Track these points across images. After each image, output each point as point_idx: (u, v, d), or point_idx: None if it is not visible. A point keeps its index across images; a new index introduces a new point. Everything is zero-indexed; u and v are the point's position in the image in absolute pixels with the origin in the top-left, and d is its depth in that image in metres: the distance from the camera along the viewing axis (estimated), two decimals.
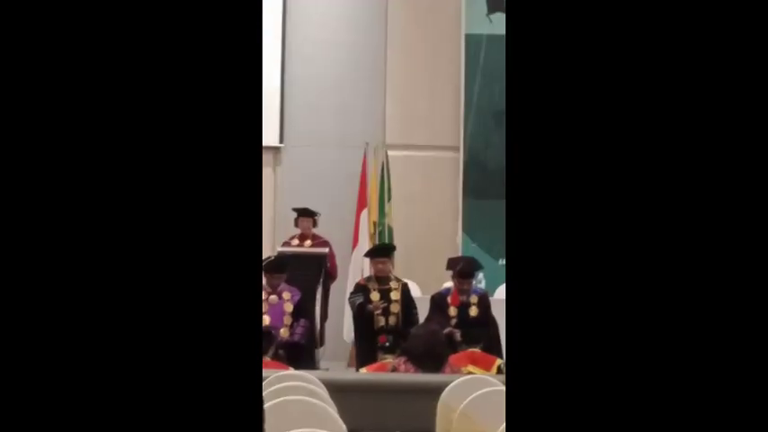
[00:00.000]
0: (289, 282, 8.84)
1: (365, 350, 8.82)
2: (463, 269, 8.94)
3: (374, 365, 8.16)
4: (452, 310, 8.81)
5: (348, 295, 9.45)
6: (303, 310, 8.83)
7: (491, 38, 11.56)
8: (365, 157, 11.29)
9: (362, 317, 8.86)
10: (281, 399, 4.53)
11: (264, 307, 8.49)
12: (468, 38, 11.61)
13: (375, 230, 11.00)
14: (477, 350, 8.49)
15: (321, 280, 9.75)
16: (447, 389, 5.67)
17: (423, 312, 8.95)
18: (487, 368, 8.06)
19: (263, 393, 3.97)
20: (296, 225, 10.24)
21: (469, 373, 7.37)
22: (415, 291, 9.83)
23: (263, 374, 3.74)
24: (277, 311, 8.57)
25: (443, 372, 7.38)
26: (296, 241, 10.14)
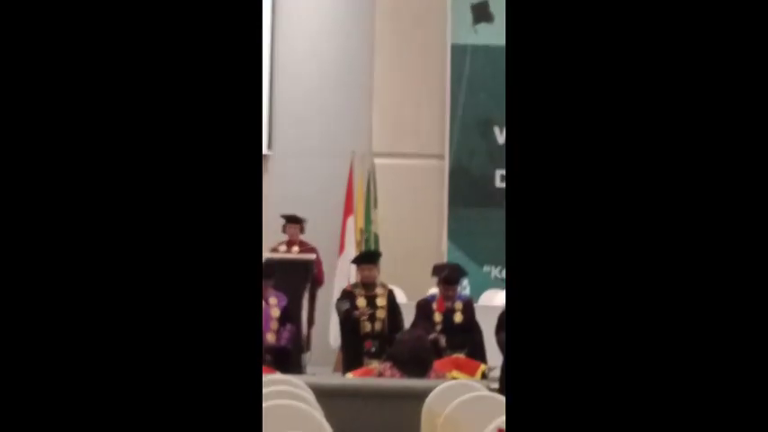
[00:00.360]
0: (276, 287, 8.89)
1: (351, 355, 8.84)
2: (448, 276, 8.98)
3: (360, 370, 8.17)
4: (437, 317, 8.83)
5: (335, 301, 9.50)
6: (289, 315, 8.89)
7: (476, 48, 11.64)
8: (352, 164, 11.36)
9: (349, 322, 8.88)
10: (268, 403, 4.56)
11: None
12: (454, 48, 11.69)
13: (361, 237, 11.08)
14: (461, 356, 8.50)
15: (308, 286, 9.81)
16: (432, 394, 5.68)
17: (408, 318, 9.00)
18: (472, 374, 8.08)
19: None
20: (283, 231, 10.31)
21: (454, 378, 7.41)
22: (401, 297, 9.86)
23: None
24: (264, 317, 8.63)
25: (428, 377, 7.39)
26: (283, 247, 10.20)
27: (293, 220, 10.29)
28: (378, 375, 7.55)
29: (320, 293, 10.30)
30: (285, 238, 10.28)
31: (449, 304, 8.87)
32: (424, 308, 8.93)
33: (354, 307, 8.85)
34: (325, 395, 5.93)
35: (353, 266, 9.77)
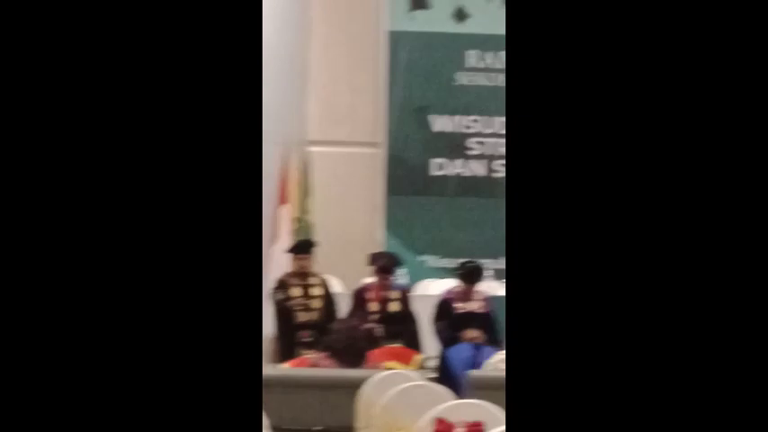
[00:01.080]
0: None
1: (286, 346, 8.81)
2: (384, 265, 8.98)
3: (295, 361, 8.16)
4: (373, 306, 8.84)
5: (269, 291, 9.43)
6: None
7: (413, 35, 11.63)
8: (286, 153, 11.28)
9: (283, 313, 8.85)
10: None
11: None
12: (390, 35, 11.66)
13: (296, 226, 11.00)
14: (397, 345, 8.53)
15: None
16: (367, 384, 5.69)
17: (345, 308, 8.96)
18: (407, 363, 8.11)
19: None
20: None
21: (390, 368, 7.41)
22: (337, 287, 9.85)
23: None
24: None
25: (364, 367, 7.40)
26: None
27: None
28: (313, 365, 7.51)
29: None
30: None
31: (385, 293, 8.86)
32: (359, 297, 8.93)
33: (289, 297, 8.80)
34: None
35: (288, 256, 9.71)
